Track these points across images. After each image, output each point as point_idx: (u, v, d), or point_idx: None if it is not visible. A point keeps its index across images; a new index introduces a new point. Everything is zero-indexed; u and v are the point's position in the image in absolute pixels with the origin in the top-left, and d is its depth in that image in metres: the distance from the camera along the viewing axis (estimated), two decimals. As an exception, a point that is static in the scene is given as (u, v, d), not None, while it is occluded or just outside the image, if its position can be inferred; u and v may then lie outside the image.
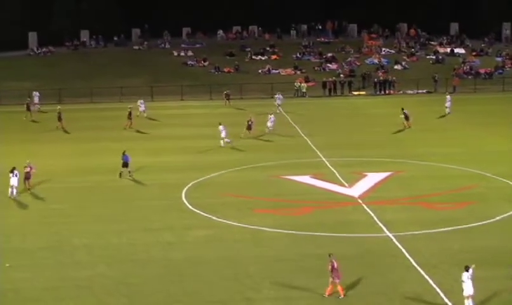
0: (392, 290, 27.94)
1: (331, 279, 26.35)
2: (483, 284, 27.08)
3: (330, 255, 26.64)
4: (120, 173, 45.04)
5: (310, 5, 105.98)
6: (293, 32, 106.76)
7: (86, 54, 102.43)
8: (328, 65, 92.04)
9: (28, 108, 68.17)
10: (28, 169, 42.75)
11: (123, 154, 45.56)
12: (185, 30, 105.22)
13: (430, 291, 27.63)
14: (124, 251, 32.84)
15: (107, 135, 60.38)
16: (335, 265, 26.55)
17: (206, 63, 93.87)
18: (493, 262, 29.92)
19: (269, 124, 58.01)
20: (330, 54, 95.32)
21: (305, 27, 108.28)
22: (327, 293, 26.41)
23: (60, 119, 65.16)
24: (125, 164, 44.95)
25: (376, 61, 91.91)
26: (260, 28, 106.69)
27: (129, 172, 44.81)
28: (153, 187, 43.53)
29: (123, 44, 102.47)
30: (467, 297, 24.57)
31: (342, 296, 26.14)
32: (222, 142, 54.05)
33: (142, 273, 29.66)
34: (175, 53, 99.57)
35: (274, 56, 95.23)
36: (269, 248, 33.03)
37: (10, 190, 41.19)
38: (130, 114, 62.57)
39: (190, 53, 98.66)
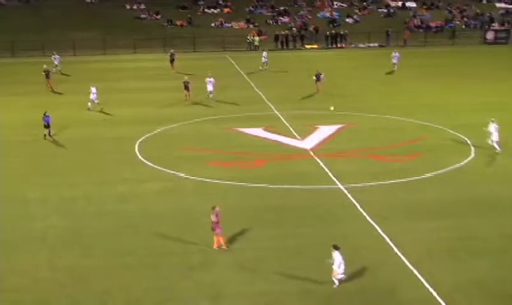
0: (343, 240, 28.09)
1: (215, 232, 26.15)
2: (431, 235, 28.37)
3: (213, 208, 25.96)
4: (44, 135, 43.71)
5: None
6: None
7: (38, 7, 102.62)
8: (281, 18, 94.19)
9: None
10: None
11: (44, 114, 44.39)
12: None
13: (381, 242, 28.36)
14: (78, 203, 32.72)
15: (63, 88, 59.44)
16: (217, 218, 25.91)
17: (158, 17, 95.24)
18: (443, 213, 30.48)
19: (209, 88, 52.18)
20: (282, 8, 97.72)
21: None
22: (215, 245, 25.58)
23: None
24: (46, 126, 44.20)
25: (328, 14, 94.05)
26: None
27: (50, 134, 43.10)
28: (106, 141, 43.76)
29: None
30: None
31: (225, 247, 25.69)
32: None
33: (96, 225, 30.20)
34: (128, 6, 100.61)
35: (226, 10, 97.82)
36: (222, 200, 32.21)
37: None
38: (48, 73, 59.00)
39: (142, 6, 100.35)
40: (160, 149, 42.66)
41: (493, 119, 39.15)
